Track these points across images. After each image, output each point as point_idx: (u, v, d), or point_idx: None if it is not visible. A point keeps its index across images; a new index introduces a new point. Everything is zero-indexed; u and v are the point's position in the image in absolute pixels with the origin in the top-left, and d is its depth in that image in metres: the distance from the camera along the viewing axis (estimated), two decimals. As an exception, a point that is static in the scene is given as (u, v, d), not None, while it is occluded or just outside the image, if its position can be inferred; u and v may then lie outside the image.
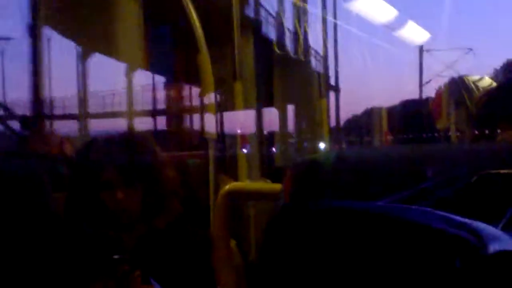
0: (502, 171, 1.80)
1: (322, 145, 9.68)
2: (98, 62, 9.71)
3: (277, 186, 1.80)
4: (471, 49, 19.31)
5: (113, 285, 1.42)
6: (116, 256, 1.46)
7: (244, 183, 2.82)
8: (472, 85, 17.22)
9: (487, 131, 14.00)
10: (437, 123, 16.17)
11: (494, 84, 17.67)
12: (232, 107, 5.44)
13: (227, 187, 2.36)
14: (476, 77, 17.99)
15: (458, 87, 16.60)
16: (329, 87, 11.20)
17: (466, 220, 0.98)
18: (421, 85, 18.10)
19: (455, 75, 17.44)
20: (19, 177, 1.62)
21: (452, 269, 0.90)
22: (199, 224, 1.88)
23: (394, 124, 16.72)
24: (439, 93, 15.98)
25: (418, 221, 1.00)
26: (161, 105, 12.89)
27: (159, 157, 1.65)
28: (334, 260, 1.02)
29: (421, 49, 17.47)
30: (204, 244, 1.73)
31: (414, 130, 17.74)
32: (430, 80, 18.81)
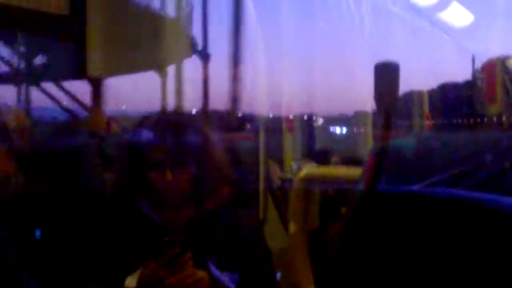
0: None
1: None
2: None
3: (357, 171, 1.75)
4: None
5: (164, 267, 1.40)
6: (166, 238, 1.44)
7: (323, 168, 2.76)
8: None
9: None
10: (489, 108, 15.60)
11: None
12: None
13: (304, 171, 2.34)
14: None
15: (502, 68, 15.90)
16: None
17: None
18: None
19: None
20: (72, 155, 1.62)
21: None
22: (249, 207, 1.86)
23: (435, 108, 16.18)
24: (491, 74, 15.31)
25: (495, 209, 0.96)
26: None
27: (209, 138, 1.62)
28: (417, 247, 0.99)
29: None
30: (255, 226, 1.71)
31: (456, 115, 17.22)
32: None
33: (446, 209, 1.01)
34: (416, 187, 1.10)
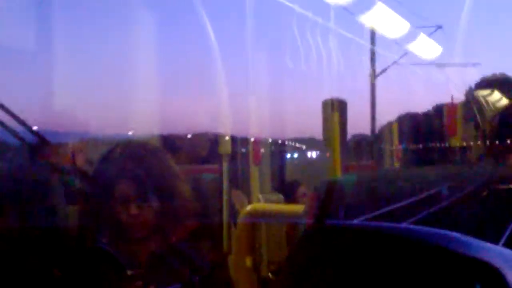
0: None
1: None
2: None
3: (299, 207, 1.79)
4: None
5: None
6: (129, 272, 1.43)
7: (265, 204, 2.83)
8: (482, 99, 17.09)
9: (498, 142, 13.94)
10: (451, 140, 16.09)
11: (504, 98, 17.45)
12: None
13: (249, 207, 2.37)
14: (485, 92, 17.84)
15: (468, 102, 16.44)
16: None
17: (485, 243, 0.97)
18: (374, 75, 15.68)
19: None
20: (31, 188, 1.60)
21: None
22: (213, 239, 1.86)
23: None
24: (452, 110, 15.83)
25: (436, 244, 0.99)
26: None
27: (174, 171, 1.63)
28: (357, 280, 1.00)
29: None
30: (218, 260, 1.71)
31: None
32: (385, 69, 16.32)
33: (375, 241, 1.04)
34: (356, 221, 1.14)
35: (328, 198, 1.31)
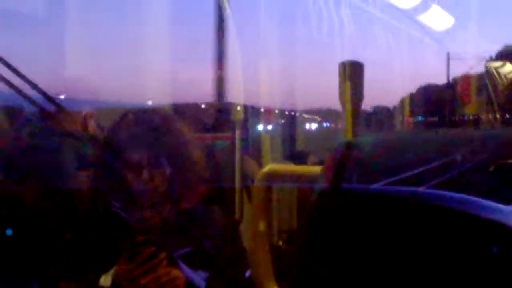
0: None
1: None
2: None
3: (317, 169, 1.75)
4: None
5: (138, 267, 1.40)
6: (141, 238, 1.44)
7: (283, 165, 2.71)
8: (494, 71, 16.83)
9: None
10: (465, 109, 16.00)
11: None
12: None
13: (266, 168, 2.31)
14: (498, 63, 17.55)
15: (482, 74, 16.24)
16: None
17: (502, 206, 0.94)
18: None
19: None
20: (46, 154, 1.61)
21: (489, 257, 0.86)
22: (225, 206, 1.86)
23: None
24: (466, 81, 15.69)
25: (452, 207, 0.97)
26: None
27: (187, 138, 1.62)
28: (371, 245, 1.00)
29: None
30: (230, 226, 1.71)
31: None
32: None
33: (392, 205, 1.03)
34: (374, 186, 1.12)
35: (344, 162, 1.29)
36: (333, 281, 1.03)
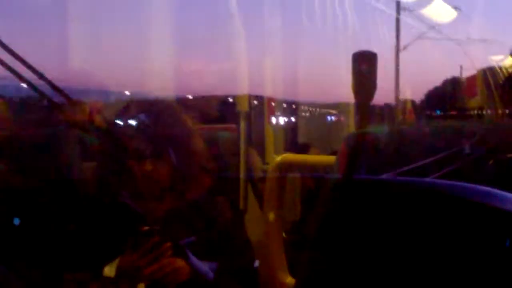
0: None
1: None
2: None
3: (331, 159, 1.73)
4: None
5: (143, 257, 1.41)
6: (146, 228, 1.45)
7: (296, 155, 2.68)
8: (495, 64, 16.71)
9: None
10: (470, 102, 15.99)
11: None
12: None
13: (279, 158, 2.29)
14: (499, 57, 17.42)
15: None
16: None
17: None
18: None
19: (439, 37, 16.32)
20: (51, 143, 1.62)
21: (501, 249, 0.86)
22: (229, 196, 1.87)
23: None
24: (472, 77, 15.69)
25: (465, 197, 0.96)
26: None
27: (190, 129, 1.63)
28: (385, 236, 0.99)
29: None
30: (235, 216, 1.72)
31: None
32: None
33: (406, 195, 1.01)
34: (386, 176, 1.11)
35: (356, 152, 1.28)
36: (348, 272, 1.02)
